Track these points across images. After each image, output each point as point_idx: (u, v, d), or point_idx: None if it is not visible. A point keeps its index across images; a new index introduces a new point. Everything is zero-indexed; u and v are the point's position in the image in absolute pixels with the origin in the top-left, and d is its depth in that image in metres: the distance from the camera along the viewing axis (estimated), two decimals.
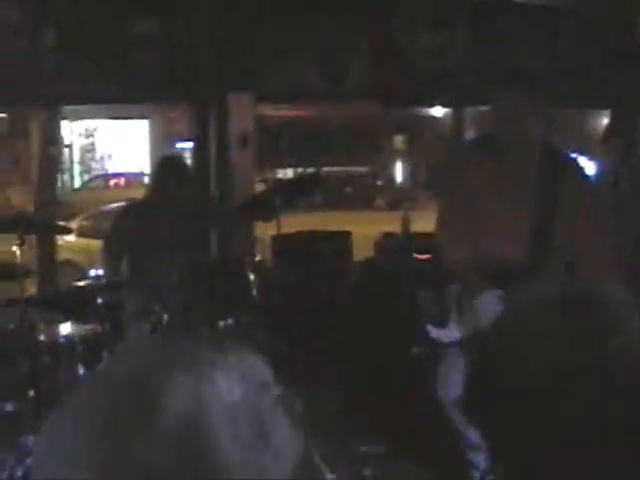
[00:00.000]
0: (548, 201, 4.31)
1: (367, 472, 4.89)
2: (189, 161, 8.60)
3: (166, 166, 5.98)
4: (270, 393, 1.21)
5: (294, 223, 7.16)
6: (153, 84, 7.08)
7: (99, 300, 5.24)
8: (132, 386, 1.47)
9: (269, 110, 21.74)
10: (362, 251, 7.80)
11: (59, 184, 19.39)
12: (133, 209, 5.96)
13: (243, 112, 7.37)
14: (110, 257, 5.78)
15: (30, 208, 10.38)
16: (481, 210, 4.40)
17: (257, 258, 6.10)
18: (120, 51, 6.75)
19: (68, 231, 6.48)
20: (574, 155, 5.30)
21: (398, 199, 24.07)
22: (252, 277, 5.26)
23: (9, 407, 5.19)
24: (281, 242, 6.71)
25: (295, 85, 7.49)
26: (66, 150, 29.57)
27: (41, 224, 5.07)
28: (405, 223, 8.02)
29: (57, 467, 1.47)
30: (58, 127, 11.70)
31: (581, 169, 4.66)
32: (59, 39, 6.45)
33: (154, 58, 6.94)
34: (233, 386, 1.25)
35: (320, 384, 5.48)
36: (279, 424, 1.14)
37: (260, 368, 1.26)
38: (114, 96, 7.35)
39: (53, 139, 10.48)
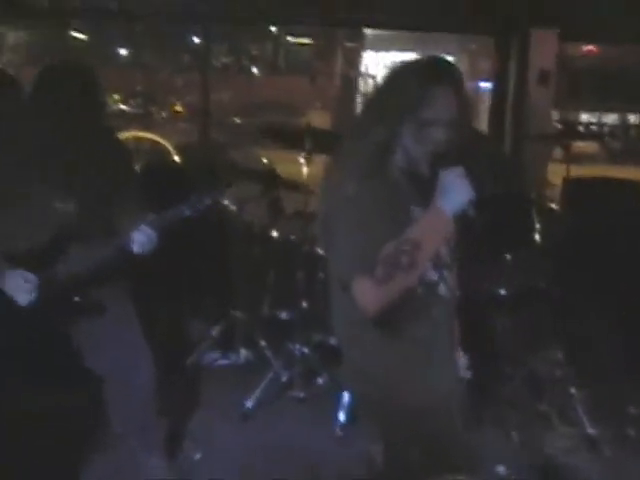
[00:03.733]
0: None
1: (631, 433, 4.68)
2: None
3: None
4: None
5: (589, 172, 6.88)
6: (457, 12, 6.99)
7: None
8: None
9: (573, 49, 20.92)
10: None
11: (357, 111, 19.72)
12: None
13: (545, 49, 7.15)
14: None
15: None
16: None
17: (545, 199, 5.90)
18: None
19: None
20: None
21: None
22: (537, 217, 5.08)
23: (284, 315, 5.38)
24: (572, 186, 6.45)
25: (602, 23, 7.13)
26: (370, 80, 30.04)
27: (330, 139, 5.12)
28: None
29: None
30: (360, 54, 11.84)
31: None
32: None
33: None
34: None
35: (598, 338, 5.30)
36: None
37: None
38: (416, 23, 7.31)
39: (353, 66, 10.63)
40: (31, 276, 3.31)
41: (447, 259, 2.70)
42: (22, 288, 3.29)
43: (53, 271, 3.36)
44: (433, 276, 2.63)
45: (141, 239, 3.36)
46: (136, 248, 3.36)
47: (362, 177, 2.54)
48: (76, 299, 3.41)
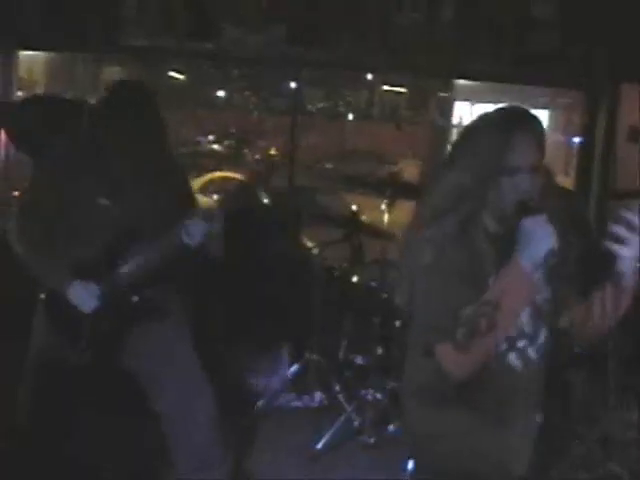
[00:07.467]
0: None
1: None
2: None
3: None
4: None
5: None
6: (548, 68, 6.99)
7: None
8: None
9: None
10: None
11: None
12: None
13: (636, 105, 7.07)
14: None
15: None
16: None
17: None
18: (518, 31, 6.73)
19: None
20: None
21: None
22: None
23: (359, 360, 5.42)
24: None
25: None
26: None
27: (411, 188, 5.17)
28: None
29: None
30: (452, 105, 11.84)
31: None
32: (456, 13, 6.55)
33: (552, 41, 6.85)
34: None
35: None
36: None
37: None
38: (509, 75, 7.32)
39: (445, 116, 10.63)
40: (92, 285, 3.45)
41: (523, 328, 2.56)
42: (85, 297, 3.43)
43: (114, 276, 3.49)
44: (502, 346, 2.52)
45: (192, 230, 3.44)
46: (188, 239, 3.45)
47: (444, 242, 2.44)
48: (134, 298, 3.53)
